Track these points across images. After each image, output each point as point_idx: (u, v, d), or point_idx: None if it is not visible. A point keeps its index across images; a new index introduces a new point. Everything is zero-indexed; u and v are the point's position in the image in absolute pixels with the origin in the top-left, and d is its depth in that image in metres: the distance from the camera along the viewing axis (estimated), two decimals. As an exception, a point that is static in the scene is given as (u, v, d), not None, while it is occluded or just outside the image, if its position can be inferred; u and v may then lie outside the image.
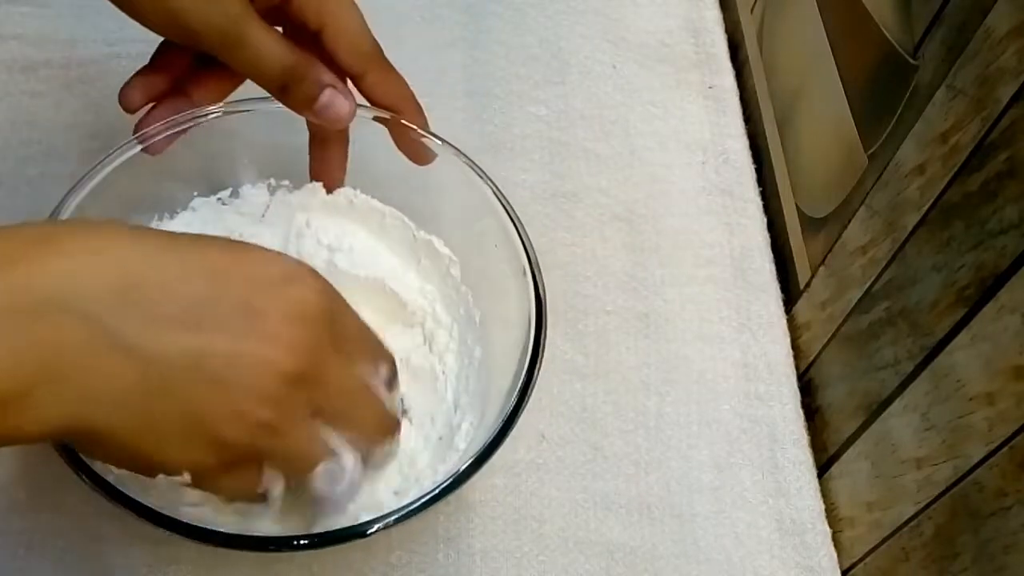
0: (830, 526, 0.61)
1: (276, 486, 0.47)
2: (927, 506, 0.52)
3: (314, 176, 0.60)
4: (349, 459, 0.48)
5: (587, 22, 0.80)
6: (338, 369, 0.47)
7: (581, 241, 0.69)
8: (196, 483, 0.45)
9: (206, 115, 0.58)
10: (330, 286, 0.47)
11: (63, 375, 0.39)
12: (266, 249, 0.47)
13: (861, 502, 0.59)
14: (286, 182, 0.61)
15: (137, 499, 0.47)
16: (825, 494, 0.62)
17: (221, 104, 0.58)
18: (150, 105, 0.57)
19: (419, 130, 0.59)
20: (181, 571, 0.55)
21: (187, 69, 0.57)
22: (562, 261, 0.67)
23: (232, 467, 0.45)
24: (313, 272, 0.46)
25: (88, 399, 0.40)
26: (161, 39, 0.56)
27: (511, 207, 0.57)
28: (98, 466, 0.47)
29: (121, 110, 0.57)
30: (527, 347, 0.53)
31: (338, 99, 0.55)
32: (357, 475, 0.49)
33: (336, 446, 0.47)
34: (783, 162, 0.72)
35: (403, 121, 0.59)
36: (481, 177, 0.58)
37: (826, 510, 0.62)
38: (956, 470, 0.50)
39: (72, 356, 0.40)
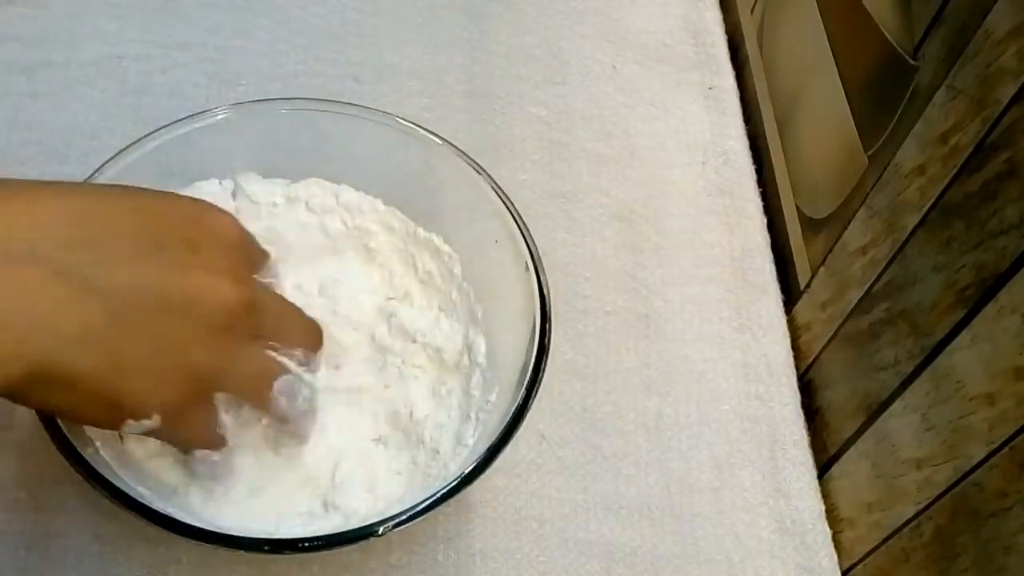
0: (830, 527, 0.61)
1: (232, 419, 0.49)
2: (927, 507, 0.52)
3: None
4: (297, 369, 0.51)
5: (586, 22, 0.80)
6: (263, 290, 0.50)
7: (581, 241, 0.69)
8: (164, 427, 0.46)
9: (212, 114, 0.58)
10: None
11: (23, 320, 0.39)
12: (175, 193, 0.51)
13: (861, 503, 0.59)
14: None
15: (138, 499, 0.47)
16: (825, 495, 0.62)
17: (226, 105, 0.58)
18: None
19: (417, 125, 0.59)
20: (181, 571, 0.55)
21: None
22: (562, 261, 0.67)
23: (192, 407, 0.47)
24: (216, 206, 0.50)
25: (51, 340, 0.40)
26: None
27: (510, 202, 0.57)
28: (101, 466, 0.47)
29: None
30: (532, 344, 0.53)
31: None
32: (309, 390, 0.52)
33: (282, 360, 0.51)
34: (783, 162, 0.72)
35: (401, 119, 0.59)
36: (479, 173, 0.58)
37: (826, 511, 0.62)
38: (956, 471, 0.50)
39: (31, 299, 0.39)
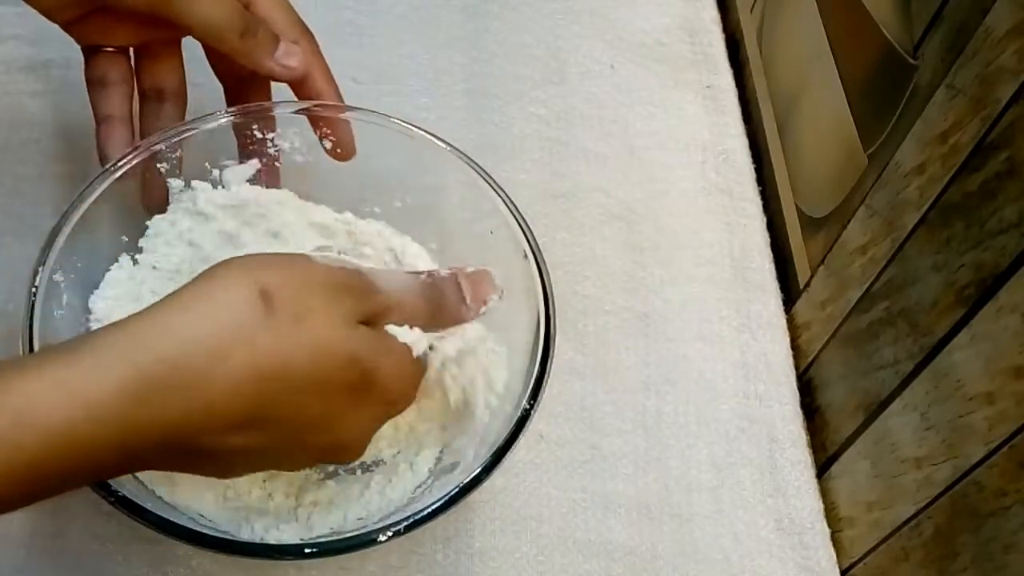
0: (829, 526, 0.61)
1: None
2: (927, 506, 0.52)
3: None
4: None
5: (583, 22, 0.80)
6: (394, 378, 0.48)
7: (581, 241, 0.69)
8: None
9: (214, 118, 0.58)
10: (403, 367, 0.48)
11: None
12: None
13: (861, 502, 0.59)
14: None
15: (139, 503, 0.47)
16: (824, 494, 0.62)
17: (231, 109, 0.58)
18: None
19: (416, 125, 0.59)
20: (180, 571, 0.55)
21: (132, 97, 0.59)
22: (562, 261, 0.67)
23: None
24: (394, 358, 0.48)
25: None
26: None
27: (509, 198, 0.57)
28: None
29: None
30: (537, 341, 0.53)
31: (291, 46, 0.57)
32: None
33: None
34: (783, 162, 0.72)
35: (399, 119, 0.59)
36: (478, 172, 0.58)
37: (825, 510, 0.62)
38: (956, 470, 0.50)
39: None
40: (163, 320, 0.42)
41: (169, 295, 0.43)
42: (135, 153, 0.56)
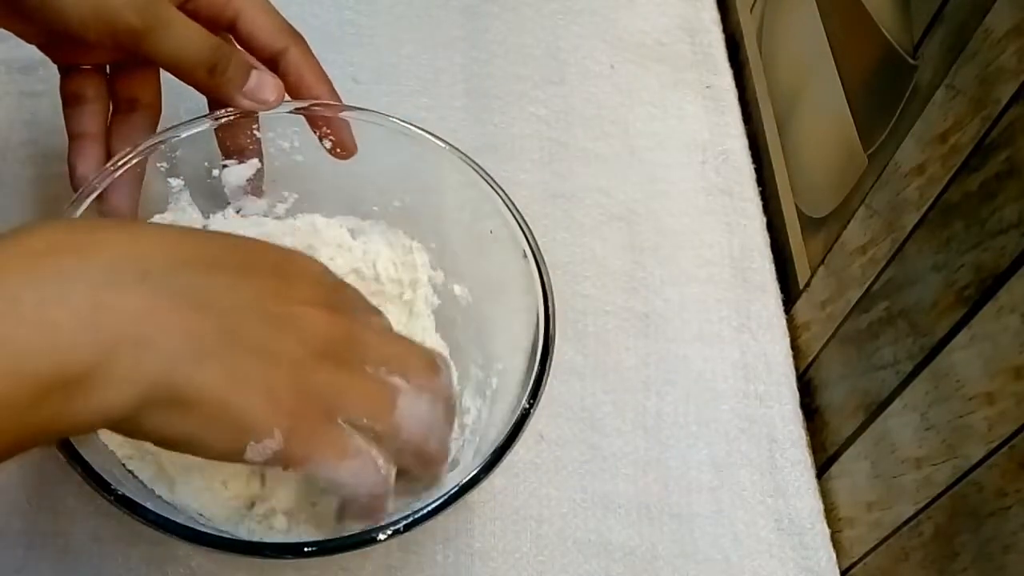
0: (829, 526, 0.61)
1: (364, 442, 0.46)
2: (927, 506, 0.52)
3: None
4: (421, 391, 0.48)
5: (583, 22, 0.80)
6: (366, 325, 0.48)
7: (581, 241, 0.69)
8: (287, 449, 0.43)
9: (214, 117, 0.58)
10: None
11: (138, 341, 0.39)
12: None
13: (860, 502, 0.59)
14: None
15: (138, 500, 0.47)
16: (824, 494, 0.62)
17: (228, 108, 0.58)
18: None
19: (415, 125, 0.59)
20: (180, 571, 0.55)
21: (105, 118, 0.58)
22: (562, 261, 0.67)
23: (314, 429, 0.44)
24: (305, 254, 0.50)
25: (167, 358, 0.40)
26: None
27: (508, 197, 0.57)
28: (98, 463, 0.47)
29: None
30: (536, 341, 0.53)
31: (266, 78, 0.56)
32: (439, 412, 0.49)
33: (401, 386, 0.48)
34: (783, 162, 0.72)
35: (399, 119, 0.59)
36: (478, 173, 0.58)
37: (825, 510, 0.62)
38: (956, 470, 0.50)
39: (145, 321, 0.40)
40: None
41: None
42: (135, 153, 0.56)
